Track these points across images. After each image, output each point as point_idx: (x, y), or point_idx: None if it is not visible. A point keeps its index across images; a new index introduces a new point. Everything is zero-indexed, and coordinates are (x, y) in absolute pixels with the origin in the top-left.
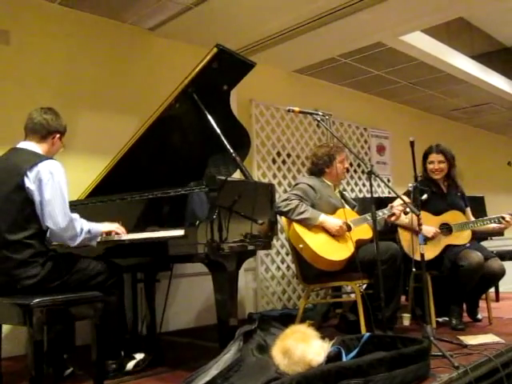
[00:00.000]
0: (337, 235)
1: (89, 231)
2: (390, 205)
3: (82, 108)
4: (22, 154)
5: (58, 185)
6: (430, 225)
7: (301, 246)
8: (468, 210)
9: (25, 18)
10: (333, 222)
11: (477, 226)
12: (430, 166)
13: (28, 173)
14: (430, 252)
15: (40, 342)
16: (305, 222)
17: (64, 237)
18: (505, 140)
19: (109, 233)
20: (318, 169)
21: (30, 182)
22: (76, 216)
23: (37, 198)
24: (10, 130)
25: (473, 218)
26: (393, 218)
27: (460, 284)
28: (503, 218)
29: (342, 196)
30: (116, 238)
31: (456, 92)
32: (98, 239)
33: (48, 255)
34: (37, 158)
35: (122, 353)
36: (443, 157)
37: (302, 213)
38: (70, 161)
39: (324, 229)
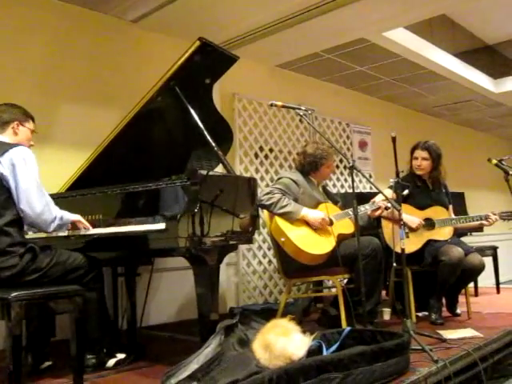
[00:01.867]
0: (319, 228)
1: (61, 218)
2: (372, 200)
3: (62, 100)
4: None
5: (31, 170)
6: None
7: (282, 239)
8: (450, 207)
9: (4, 8)
10: (315, 214)
11: (459, 223)
12: (413, 162)
13: (0, 159)
14: (412, 245)
15: (18, 337)
16: (287, 216)
17: (39, 222)
18: (485, 137)
19: (76, 224)
20: (304, 170)
21: (3, 168)
22: (51, 200)
23: (12, 184)
24: None
25: (453, 216)
26: (377, 213)
27: (440, 279)
28: (486, 218)
29: (325, 191)
30: (83, 232)
31: (438, 89)
32: (66, 232)
33: (27, 246)
34: (7, 146)
35: (104, 350)
36: (428, 154)
37: (284, 206)
38: (51, 153)
39: (306, 223)
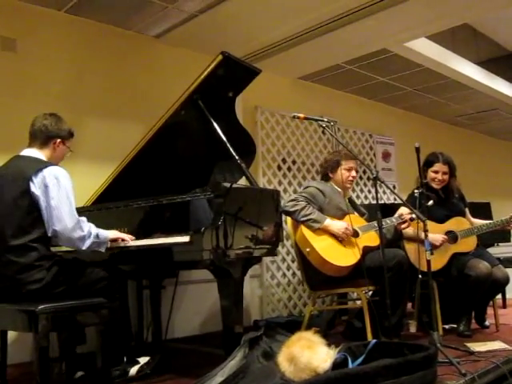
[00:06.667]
0: (343, 239)
1: (97, 235)
2: (399, 213)
3: (87, 115)
4: (25, 161)
5: (63, 189)
6: (435, 234)
7: (308, 249)
8: (467, 210)
9: (31, 26)
10: (338, 224)
11: (482, 232)
12: (433, 175)
13: (33, 178)
14: (438, 262)
15: (45, 349)
16: (309, 225)
17: (72, 239)
18: (510, 146)
19: (115, 240)
20: (323, 173)
21: (35, 188)
22: (83, 219)
23: (43, 203)
24: (14, 138)
25: (472, 219)
26: (404, 225)
27: (467, 294)
28: (509, 221)
29: (352, 203)
30: (122, 244)
31: (461, 98)
32: (108, 245)
33: (53, 259)
34: (41, 164)
35: (125, 358)
36: (448, 168)
37: (307, 215)
38: (76, 167)
39: (331, 234)
